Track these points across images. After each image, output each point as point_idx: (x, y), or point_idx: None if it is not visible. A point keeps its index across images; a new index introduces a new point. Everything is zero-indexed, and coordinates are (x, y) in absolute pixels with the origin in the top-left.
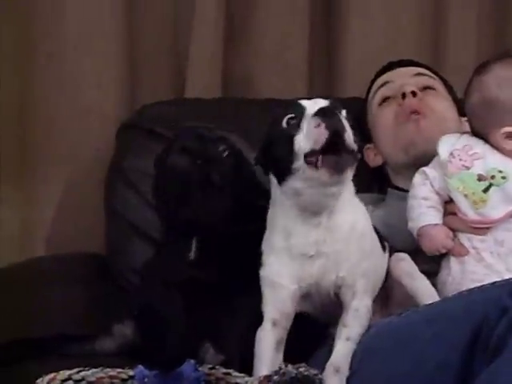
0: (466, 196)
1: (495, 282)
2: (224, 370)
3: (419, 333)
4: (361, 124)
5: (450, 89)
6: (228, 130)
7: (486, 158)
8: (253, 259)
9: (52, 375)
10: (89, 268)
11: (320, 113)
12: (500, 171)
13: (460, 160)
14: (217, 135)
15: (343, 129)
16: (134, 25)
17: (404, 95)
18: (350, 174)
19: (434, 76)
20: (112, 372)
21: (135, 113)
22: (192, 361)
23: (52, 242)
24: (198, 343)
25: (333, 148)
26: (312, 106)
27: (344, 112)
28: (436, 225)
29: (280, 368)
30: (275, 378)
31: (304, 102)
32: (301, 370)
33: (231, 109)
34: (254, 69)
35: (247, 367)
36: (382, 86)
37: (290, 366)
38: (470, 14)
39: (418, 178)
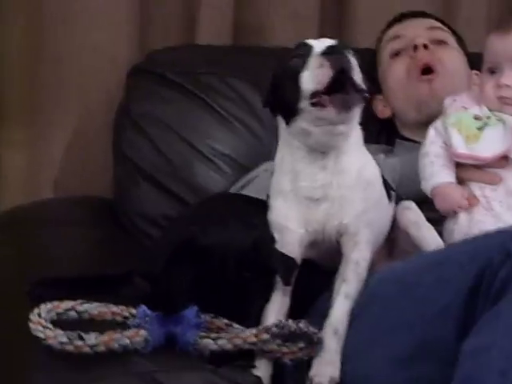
0: (459, 131)
1: (500, 229)
2: (226, 321)
3: (423, 278)
4: (371, 74)
5: (460, 42)
6: (239, 77)
7: (483, 105)
8: None
9: (56, 303)
10: (95, 211)
11: (326, 51)
12: (496, 115)
13: (460, 103)
14: None
15: (349, 67)
16: None
17: (416, 48)
18: (357, 112)
19: (446, 29)
20: (115, 308)
21: (146, 57)
22: (195, 307)
23: (59, 184)
24: None
25: (339, 86)
26: (319, 45)
27: (352, 53)
28: (450, 183)
29: (280, 321)
30: (274, 329)
31: (311, 41)
32: (300, 325)
33: (242, 56)
34: (265, 17)
35: None
36: (393, 39)
37: (290, 321)
38: None
39: (429, 134)
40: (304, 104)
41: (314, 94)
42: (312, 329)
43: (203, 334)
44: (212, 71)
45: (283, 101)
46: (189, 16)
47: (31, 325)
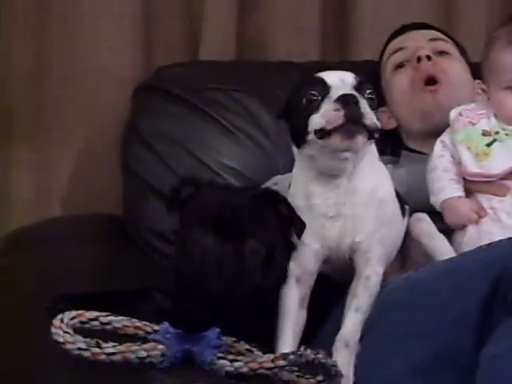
0: (469, 149)
1: None
2: (247, 346)
3: (438, 286)
4: (375, 87)
5: (463, 52)
6: (244, 91)
7: (492, 118)
8: None
9: (81, 312)
10: (106, 228)
11: (341, 99)
12: (504, 129)
13: (467, 117)
14: None
15: (361, 116)
16: None
17: (419, 59)
18: (364, 142)
19: (448, 39)
20: (138, 323)
21: (152, 74)
22: (217, 329)
23: (67, 203)
24: None
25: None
26: (337, 86)
27: (368, 91)
28: (459, 197)
29: (299, 349)
30: (291, 357)
31: (329, 80)
32: (319, 356)
33: (247, 71)
34: (268, 32)
35: None
36: (396, 51)
37: (308, 350)
38: None
39: (436, 148)
40: (310, 137)
41: (320, 130)
42: (330, 361)
43: (220, 354)
44: (217, 86)
45: (293, 131)
46: (191, 33)
47: (52, 328)
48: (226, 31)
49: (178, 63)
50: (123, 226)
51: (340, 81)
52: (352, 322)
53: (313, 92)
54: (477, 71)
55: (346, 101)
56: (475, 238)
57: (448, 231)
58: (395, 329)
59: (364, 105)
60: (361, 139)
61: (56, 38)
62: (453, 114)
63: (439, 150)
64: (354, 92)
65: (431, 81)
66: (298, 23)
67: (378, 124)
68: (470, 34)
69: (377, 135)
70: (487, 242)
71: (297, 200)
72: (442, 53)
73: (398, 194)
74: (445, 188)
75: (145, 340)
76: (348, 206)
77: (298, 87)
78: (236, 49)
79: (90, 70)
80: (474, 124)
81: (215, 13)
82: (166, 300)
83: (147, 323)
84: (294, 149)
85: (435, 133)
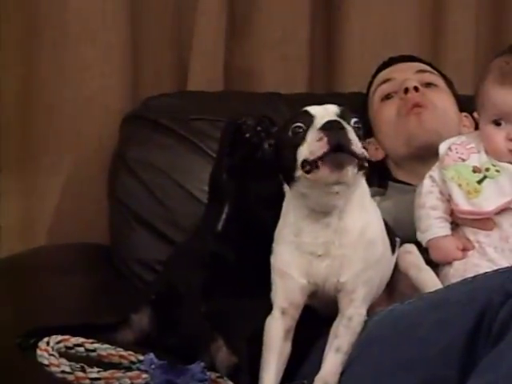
0: (460, 186)
1: (498, 269)
2: (230, 383)
3: (423, 319)
4: (362, 118)
5: (450, 84)
6: None
7: (482, 153)
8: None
9: (67, 337)
10: (92, 258)
11: (325, 126)
12: (494, 165)
13: (457, 153)
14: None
15: (348, 142)
16: (137, 16)
17: (406, 90)
18: (353, 173)
19: (435, 72)
20: (123, 352)
21: (140, 104)
22: (202, 363)
23: (54, 232)
24: (211, 336)
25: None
26: (321, 115)
27: (354, 120)
28: (445, 237)
29: None
30: None
31: (313, 111)
32: None
33: (234, 102)
34: (256, 62)
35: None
36: (383, 82)
37: None
38: (469, 9)
39: (425, 184)
40: (299, 172)
41: (305, 162)
42: None
43: None
44: (203, 117)
45: (283, 168)
46: (180, 64)
47: (38, 351)
48: (214, 61)
49: (166, 94)
50: (109, 256)
51: (323, 110)
52: (332, 363)
53: (297, 124)
54: (464, 104)
55: (329, 127)
56: (462, 270)
57: (435, 263)
58: (378, 361)
59: (350, 132)
60: (350, 170)
61: (44, 65)
62: (442, 148)
63: (428, 186)
64: (338, 119)
65: (417, 107)
66: (286, 53)
67: (366, 153)
68: (456, 67)
69: (366, 165)
70: (473, 274)
71: (286, 234)
72: (429, 84)
73: (388, 228)
74: (431, 227)
75: (129, 369)
76: (337, 246)
77: (284, 124)
78: (224, 79)
79: (78, 98)
80: (464, 160)
81: (203, 43)
82: (143, 318)
83: (132, 353)
84: (286, 186)
85: (421, 158)
